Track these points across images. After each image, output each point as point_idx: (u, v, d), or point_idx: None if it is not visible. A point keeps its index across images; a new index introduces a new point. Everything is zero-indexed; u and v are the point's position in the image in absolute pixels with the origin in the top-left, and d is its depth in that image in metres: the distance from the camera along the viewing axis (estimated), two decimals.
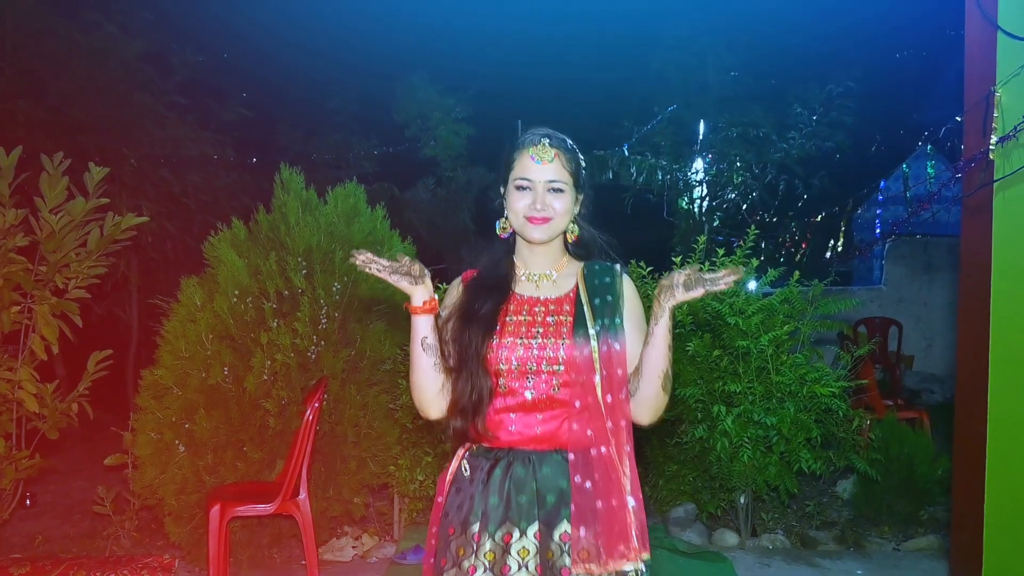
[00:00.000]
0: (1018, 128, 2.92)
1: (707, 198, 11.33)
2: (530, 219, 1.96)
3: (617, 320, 1.92)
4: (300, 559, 4.57)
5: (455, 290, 2.05)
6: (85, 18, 8.22)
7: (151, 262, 8.73)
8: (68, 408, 5.07)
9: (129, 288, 8.62)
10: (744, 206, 11.40)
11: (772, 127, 10.87)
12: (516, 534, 1.86)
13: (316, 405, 4.07)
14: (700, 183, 11.33)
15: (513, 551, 1.84)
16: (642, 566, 1.84)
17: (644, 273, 5.64)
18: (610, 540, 1.81)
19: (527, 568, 1.83)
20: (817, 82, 10.78)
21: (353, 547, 4.82)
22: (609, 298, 1.95)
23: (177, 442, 4.38)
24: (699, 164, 11.35)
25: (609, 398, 1.87)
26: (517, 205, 1.97)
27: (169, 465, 4.39)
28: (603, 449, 1.86)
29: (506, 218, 2.03)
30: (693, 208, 11.42)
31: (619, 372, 1.88)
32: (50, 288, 4.97)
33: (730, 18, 10.64)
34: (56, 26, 7.85)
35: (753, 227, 5.41)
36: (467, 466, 1.98)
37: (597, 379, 1.87)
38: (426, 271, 1.90)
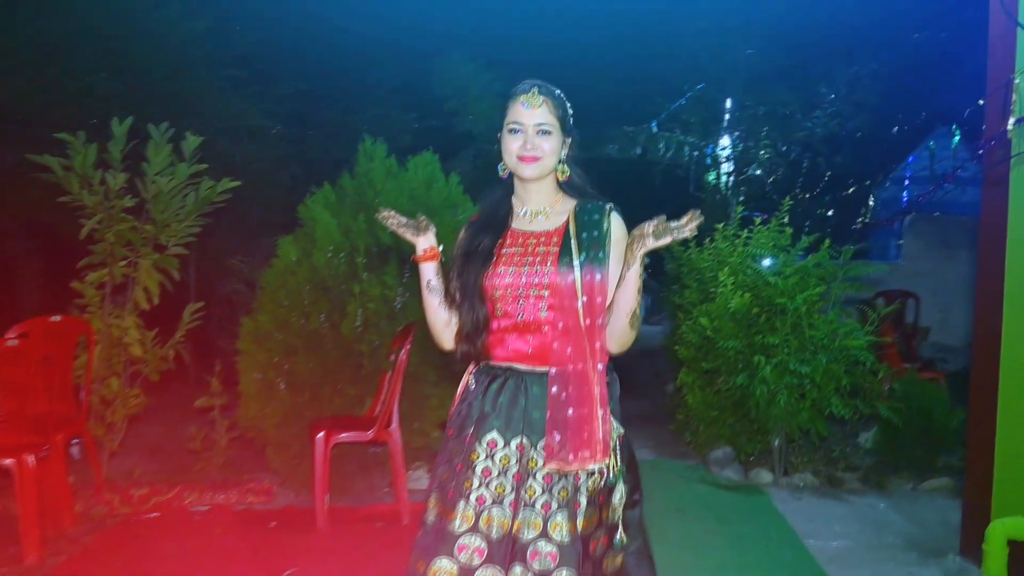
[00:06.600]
0: None
1: (733, 174, 11.76)
2: (521, 159, 2.18)
3: (601, 254, 2.09)
4: (381, 487, 5.14)
5: (463, 232, 2.31)
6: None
7: (205, 227, 9.23)
8: (167, 354, 5.66)
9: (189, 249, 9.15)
10: (769, 181, 11.83)
11: (798, 106, 11.27)
12: (500, 443, 2.11)
13: (407, 346, 4.59)
14: (727, 159, 11.75)
15: (496, 457, 2.10)
16: (603, 467, 2.06)
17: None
18: (577, 444, 2.03)
19: (505, 475, 2.08)
20: (842, 63, 11.16)
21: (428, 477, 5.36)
22: (595, 233, 2.13)
23: (279, 380, 4.94)
24: (726, 141, 11.78)
25: (588, 321, 2.07)
26: (511, 147, 2.19)
27: (271, 401, 4.95)
28: (579, 365, 2.06)
29: (504, 161, 2.25)
30: (720, 183, 11.86)
31: (599, 300, 2.07)
32: (151, 245, 5.54)
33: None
34: (127, 7, 8.35)
35: (788, 199, 5.91)
36: (473, 381, 2.25)
37: (579, 304, 2.07)
38: (431, 225, 2.23)
